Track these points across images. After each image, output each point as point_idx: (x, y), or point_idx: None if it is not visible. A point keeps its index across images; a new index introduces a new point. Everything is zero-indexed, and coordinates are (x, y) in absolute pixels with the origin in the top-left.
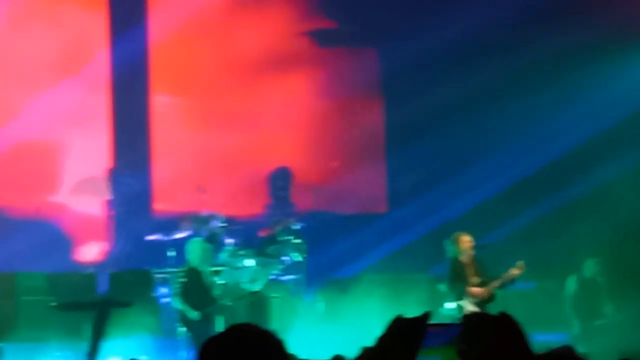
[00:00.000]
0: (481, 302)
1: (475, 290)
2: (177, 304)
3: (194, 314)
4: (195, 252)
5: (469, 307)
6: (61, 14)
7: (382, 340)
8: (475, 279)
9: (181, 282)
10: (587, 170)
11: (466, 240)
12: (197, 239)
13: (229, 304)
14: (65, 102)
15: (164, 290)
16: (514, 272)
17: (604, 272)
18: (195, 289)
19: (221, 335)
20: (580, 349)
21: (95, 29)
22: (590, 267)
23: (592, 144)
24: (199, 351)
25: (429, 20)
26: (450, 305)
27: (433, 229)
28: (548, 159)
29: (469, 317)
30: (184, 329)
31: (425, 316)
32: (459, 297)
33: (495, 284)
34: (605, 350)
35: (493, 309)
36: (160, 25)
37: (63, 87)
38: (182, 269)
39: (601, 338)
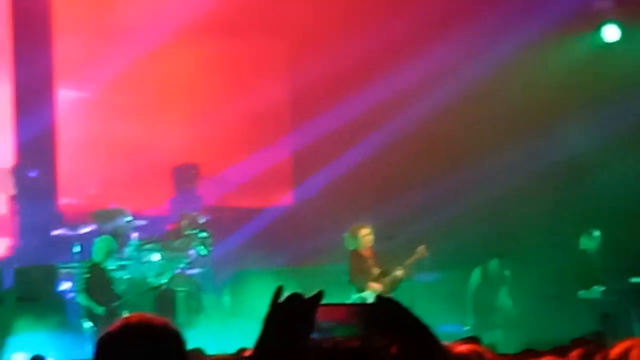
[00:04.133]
0: (382, 295)
1: (374, 285)
2: (82, 299)
3: (99, 309)
4: (99, 248)
5: (371, 299)
6: None
7: (269, 322)
8: (376, 270)
9: (85, 278)
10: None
11: (365, 232)
12: (103, 236)
13: (134, 298)
14: None
15: (69, 285)
16: (415, 257)
17: (506, 269)
18: (100, 284)
19: (115, 327)
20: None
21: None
22: (494, 266)
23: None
24: (95, 345)
25: None
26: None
27: (339, 221)
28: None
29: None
30: (89, 324)
31: (317, 296)
32: (360, 290)
33: (398, 273)
34: (507, 342)
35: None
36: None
37: None
38: (85, 265)
39: (497, 330)
